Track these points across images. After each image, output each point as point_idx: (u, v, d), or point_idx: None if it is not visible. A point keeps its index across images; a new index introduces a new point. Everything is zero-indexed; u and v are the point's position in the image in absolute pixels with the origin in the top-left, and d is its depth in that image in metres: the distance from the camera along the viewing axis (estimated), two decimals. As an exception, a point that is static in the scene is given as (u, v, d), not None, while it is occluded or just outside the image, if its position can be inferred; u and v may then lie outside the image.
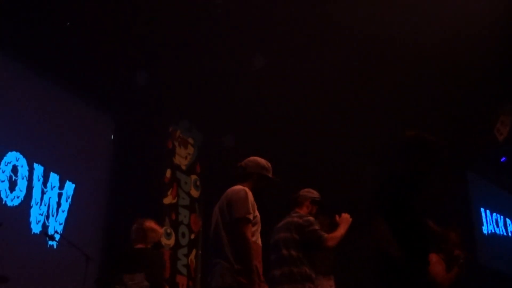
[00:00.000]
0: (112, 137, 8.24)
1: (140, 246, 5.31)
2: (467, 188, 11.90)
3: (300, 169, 9.05)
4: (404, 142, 3.77)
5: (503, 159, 12.18)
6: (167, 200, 8.27)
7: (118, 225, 7.70)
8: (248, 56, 7.91)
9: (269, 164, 4.23)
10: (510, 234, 13.24)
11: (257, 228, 3.83)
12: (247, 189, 3.89)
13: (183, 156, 8.75)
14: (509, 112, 8.95)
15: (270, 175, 4.15)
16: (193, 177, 8.82)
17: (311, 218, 4.71)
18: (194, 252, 8.47)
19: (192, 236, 8.50)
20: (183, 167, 8.69)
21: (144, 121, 8.15)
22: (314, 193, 5.03)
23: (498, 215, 12.91)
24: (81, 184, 7.59)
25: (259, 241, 3.83)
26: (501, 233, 12.94)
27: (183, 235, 8.35)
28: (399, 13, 7.20)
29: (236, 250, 3.65)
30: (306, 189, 5.06)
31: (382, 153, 9.52)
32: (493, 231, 12.60)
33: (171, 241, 8.11)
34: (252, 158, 4.25)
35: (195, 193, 8.77)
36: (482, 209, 12.41)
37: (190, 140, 8.93)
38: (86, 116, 7.88)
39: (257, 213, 3.85)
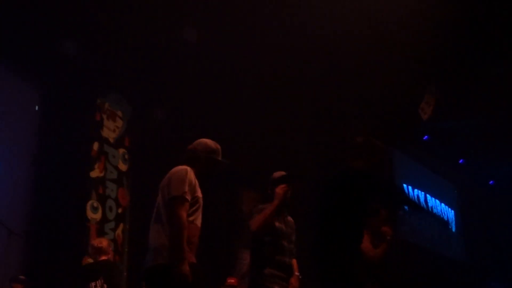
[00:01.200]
0: (36, 108, 7.98)
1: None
2: (390, 164, 12.28)
3: (232, 143, 9.07)
4: (358, 144, 4.28)
5: (425, 137, 12.63)
6: (94, 174, 8.12)
7: (43, 199, 7.52)
8: (180, 28, 7.82)
9: (218, 146, 4.17)
10: (430, 209, 13.80)
11: (197, 209, 3.81)
12: (188, 169, 3.86)
13: (111, 129, 8.58)
14: (434, 92, 9.25)
15: (219, 157, 4.11)
16: (122, 150, 8.68)
17: (258, 207, 4.64)
18: (121, 226, 8.38)
19: (120, 211, 8.40)
20: (111, 140, 8.53)
21: (70, 92, 7.93)
22: (276, 174, 4.81)
23: (419, 191, 13.42)
24: (3, 158, 7.34)
25: (198, 222, 3.82)
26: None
27: (110, 209, 8.24)
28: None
29: (169, 228, 3.66)
30: (277, 172, 4.81)
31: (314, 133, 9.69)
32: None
33: (98, 215, 7.99)
34: (201, 140, 4.17)
35: (123, 167, 8.64)
36: (405, 185, 12.85)
37: (119, 113, 8.77)
38: (8, 86, 7.58)
39: (199, 194, 3.84)
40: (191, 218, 3.73)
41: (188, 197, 3.71)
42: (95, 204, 7.98)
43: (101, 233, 7.95)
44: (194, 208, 3.78)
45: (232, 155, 9.28)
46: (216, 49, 8.05)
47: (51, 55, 7.64)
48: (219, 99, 8.81)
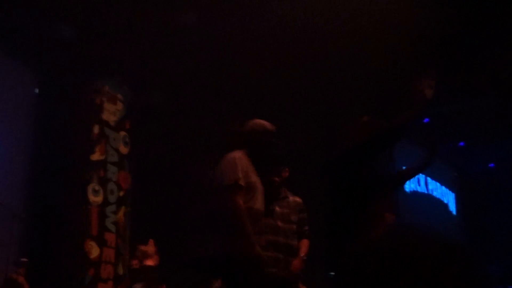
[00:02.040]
0: (36, 91, 7.96)
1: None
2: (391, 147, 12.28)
3: (230, 123, 9.05)
4: (362, 124, 3.91)
5: (425, 120, 12.61)
6: (95, 157, 8.12)
7: (44, 182, 7.54)
8: (179, 10, 7.77)
9: (273, 127, 3.93)
10: (430, 192, 13.83)
11: (254, 194, 3.65)
12: (238, 155, 3.69)
13: (111, 112, 8.57)
14: (433, 76, 9.23)
15: (271, 139, 3.86)
16: (122, 133, 8.67)
17: None
18: (123, 209, 8.39)
19: (121, 193, 8.41)
20: (112, 123, 8.52)
21: (70, 75, 7.91)
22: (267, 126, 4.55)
23: (420, 174, 13.44)
24: (4, 141, 7.33)
25: (258, 206, 3.67)
26: (422, 191, 13.50)
27: (112, 192, 8.25)
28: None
29: (225, 217, 3.54)
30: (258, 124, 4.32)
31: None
32: (415, 189, 13.12)
33: (99, 198, 8.00)
34: (257, 122, 3.95)
35: (124, 149, 8.64)
36: (404, 168, 12.86)
37: (119, 96, 8.75)
38: (8, 69, 7.56)
39: (253, 179, 3.66)
40: (248, 205, 3.58)
41: (242, 183, 3.58)
42: (96, 187, 7.99)
43: (102, 216, 7.97)
44: (250, 194, 3.64)
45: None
46: (216, 31, 8.01)
47: (51, 38, 7.60)
48: (219, 80, 8.78)
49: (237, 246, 3.44)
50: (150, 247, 6.51)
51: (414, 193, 13.05)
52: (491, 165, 15.10)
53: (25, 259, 6.41)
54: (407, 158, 12.93)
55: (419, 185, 13.34)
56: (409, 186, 12.92)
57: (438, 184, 14.21)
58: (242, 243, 3.41)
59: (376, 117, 4.06)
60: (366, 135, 3.73)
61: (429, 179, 13.80)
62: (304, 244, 4.68)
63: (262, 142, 3.80)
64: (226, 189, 3.54)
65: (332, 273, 3.95)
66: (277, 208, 4.62)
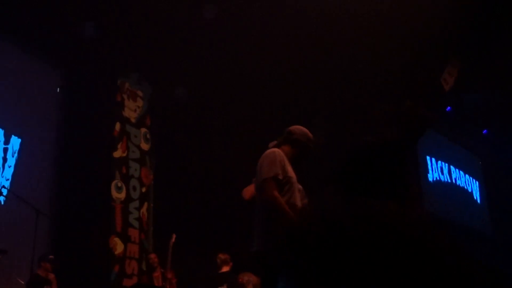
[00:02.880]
0: (58, 90, 8.03)
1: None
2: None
3: (251, 121, 9.07)
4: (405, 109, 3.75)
5: (448, 108, 12.50)
6: (117, 154, 8.18)
7: (68, 179, 7.61)
8: (199, 6, 7.77)
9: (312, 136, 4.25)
10: (454, 181, 13.70)
11: (290, 188, 3.82)
12: (277, 151, 3.93)
13: (132, 109, 8.62)
14: (456, 63, 9.12)
15: (311, 146, 4.19)
16: (143, 130, 8.73)
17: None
18: (145, 205, 8.45)
19: (143, 190, 8.47)
20: (133, 120, 8.58)
21: (91, 73, 7.96)
22: (307, 135, 4.63)
23: (443, 163, 13.32)
24: (28, 139, 7.42)
25: (295, 200, 3.81)
26: (446, 180, 13.38)
27: (134, 188, 8.31)
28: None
29: (268, 209, 3.69)
30: (298, 129, 4.38)
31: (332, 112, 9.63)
32: (438, 178, 13.01)
33: (122, 195, 8.06)
34: (299, 127, 4.23)
35: (145, 146, 8.69)
36: (428, 157, 12.76)
37: (139, 93, 8.80)
38: (31, 69, 7.64)
39: (290, 174, 3.86)
40: (285, 197, 3.74)
41: (281, 177, 3.76)
42: (119, 184, 8.05)
43: (126, 212, 8.04)
44: (286, 187, 3.80)
45: (252, 131, 9.28)
46: (236, 25, 7.99)
47: (72, 37, 7.66)
48: (239, 75, 8.77)
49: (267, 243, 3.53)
50: (227, 255, 7.21)
51: (438, 183, 12.94)
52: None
53: (52, 256, 6.49)
54: (431, 146, 12.85)
55: (442, 174, 13.22)
56: (432, 175, 12.82)
57: (461, 172, 14.07)
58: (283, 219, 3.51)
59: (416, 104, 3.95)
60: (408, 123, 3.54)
61: (452, 167, 13.67)
62: None
63: (305, 147, 4.11)
64: (264, 182, 3.72)
65: None
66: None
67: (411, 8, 7.85)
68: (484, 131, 13.87)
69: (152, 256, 7.73)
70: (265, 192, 3.69)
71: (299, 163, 4.10)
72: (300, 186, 4.77)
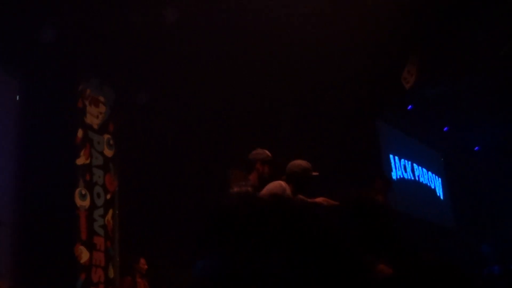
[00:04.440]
0: (17, 98, 7.89)
1: None
2: (376, 135, 12.34)
3: (217, 125, 9.07)
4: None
5: (409, 107, 12.67)
6: (80, 161, 8.08)
7: (31, 189, 7.48)
8: (160, 10, 7.73)
9: (309, 164, 4.83)
10: (417, 178, 13.90)
11: None
12: (284, 184, 4.48)
13: (94, 115, 8.52)
14: (415, 60, 9.26)
15: (312, 173, 4.76)
16: (106, 136, 8.63)
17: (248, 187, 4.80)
18: (111, 212, 8.36)
19: (108, 196, 8.38)
20: (95, 127, 8.48)
21: (51, 80, 7.84)
22: (261, 154, 4.99)
23: (406, 161, 13.50)
24: (-13, 149, 7.27)
25: None
26: (409, 177, 13.57)
27: (99, 195, 8.22)
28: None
29: None
30: (254, 151, 5.03)
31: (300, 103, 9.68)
32: (401, 176, 13.19)
33: (86, 202, 7.97)
34: (295, 162, 4.78)
35: (108, 152, 8.60)
36: (391, 156, 12.92)
37: (101, 99, 8.70)
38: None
39: None
40: None
41: None
42: (83, 191, 7.95)
43: (90, 220, 7.94)
44: None
45: (218, 135, 9.28)
46: (198, 30, 7.98)
47: (30, 42, 7.53)
48: (202, 81, 8.75)
49: None
50: None
51: (401, 180, 13.11)
52: (477, 148, 15.21)
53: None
54: (394, 145, 13.02)
55: (405, 172, 13.41)
56: (396, 173, 12.98)
57: (424, 170, 14.29)
58: None
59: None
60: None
61: (415, 165, 13.87)
62: None
63: (301, 179, 4.69)
64: None
65: None
66: None
67: (369, 5, 7.94)
68: (445, 128, 14.11)
69: (142, 261, 7.77)
70: None
71: (303, 191, 4.66)
72: None
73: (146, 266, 7.85)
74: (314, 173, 4.78)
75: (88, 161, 8.18)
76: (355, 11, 7.89)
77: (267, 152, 5.01)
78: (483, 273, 12.32)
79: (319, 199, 5.12)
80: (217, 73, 8.70)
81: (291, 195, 4.55)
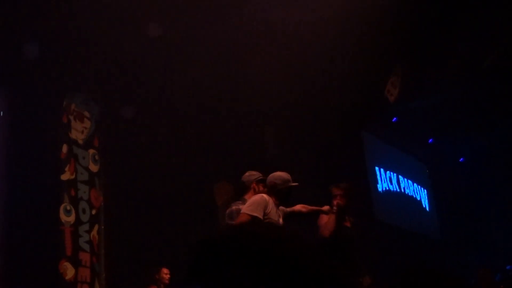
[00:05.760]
0: (1, 114, 7.84)
1: None
2: (362, 148, 12.39)
3: (203, 139, 9.07)
4: None
5: (394, 119, 12.76)
6: (65, 176, 8.02)
7: (15, 205, 7.41)
8: (143, 24, 7.75)
9: (289, 175, 5.01)
10: (402, 190, 13.97)
11: None
12: (267, 197, 4.63)
13: (79, 130, 8.48)
14: (399, 73, 9.34)
15: (291, 183, 4.94)
16: (91, 151, 8.59)
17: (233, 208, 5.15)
18: (96, 227, 8.30)
19: (93, 212, 8.32)
20: (80, 142, 8.44)
21: (35, 96, 7.80)
22: (254, 175, 5.35)
23: (392, 173, 13.57)
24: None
25: None
26: (395, 189, 13.63)
27: (84, 211, 8.16)
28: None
29: None
30: (247, 173, 5.40)
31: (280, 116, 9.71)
32: (387, 188, 13.24)
33: (71, 218, 7.91)
34: (275, 174, 4.99)
35: (94, 167, 8.56)
36: (377, 168, 12.98)
37: (86, 114, 8.66)
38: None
39: (273, 216, 4.56)
40: None
41: (259, 216, 4.42)
42: (68, 207, 7.90)
43: (76, 235, 7.88)
44: None
45: (203, 148, 9.26)
46: (182, 44, 8.00)
47: (14, 58, 7.51)
48: (187, 94, 8.77)
49: None
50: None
51: (387, 192, 13.17)
52: (461, 159, 15.32)
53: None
54: (380, 157, 13.07)
55: (391, 183, 13.46)
56: (382, 185, 13.03)
57: (410, 181, 14.37)
58: None
59: None
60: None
61: (401, 177, 13.94)
62: None
63: (282, 190, 4.89)
64: (243, 214, 4.43)
65: None
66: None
67: (353, 19, 8.01)
68: (430, 140, 14.21)
69: (165, 270, 7.71)
70: (238, 221, 4.38)
71: (285, 201, 4.92)
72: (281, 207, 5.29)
73: (168, 275, 7.78)
74: (294, 184, 4.95)
75: (73, 177, 8.13)
76: (342, 24, 7.96)
77: (258, 172, 5.37)
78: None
79: (298, 207, 5.35)
80: (202, 87, 8.72)
81: (274, 206, 4.68)
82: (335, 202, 5.51)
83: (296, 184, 4.98)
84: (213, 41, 7.98)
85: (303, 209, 5.44)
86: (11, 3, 6.95)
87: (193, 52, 8.16)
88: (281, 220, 4.78)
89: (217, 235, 1.18)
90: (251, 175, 5.32)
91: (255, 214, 4.41)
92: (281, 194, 4.84)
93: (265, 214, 4.50)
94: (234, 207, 5.07)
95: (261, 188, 5.18)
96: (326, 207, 5.53)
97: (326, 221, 5.44)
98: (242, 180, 5.33)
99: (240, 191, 5.36)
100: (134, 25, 7.73)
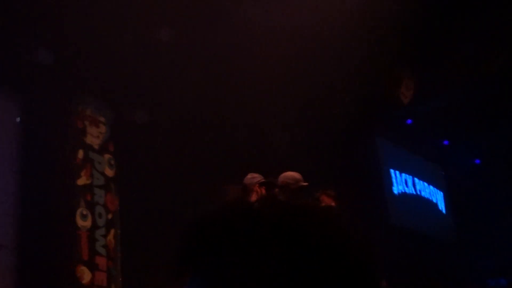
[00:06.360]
0: (18, 120, 7.92)
1: None
2: (376, 151, 12.35)
3: (215, 143, 9.09)
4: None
5: (408, 121, 12.72)
6: (81, 181, 8.09)
7: (31, 210, 7.48)
8: (157, 29, 7.80)
9: (300, 175, 4.95)
10: (418, 192, 13.89)
11: None
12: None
13: (95, 135, 8.55)
14: (412, 75, 9.31)
15: (303, 183, 4.88)
16: (107, 156, 8.65)
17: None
18: (112, 232, 8.35)
19: (110, 216, 8.38)
20: (96, 147, 8.50)
21: (51, 101, 7.88)
22: (256, 177, 5.23)
23: (407, 175, 13.50)
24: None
25: None
26: (411, 192, 13.56)
27: (100, 215, 8.22)
28: None
29: None
30: (249, 176, 5.27)
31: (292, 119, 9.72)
32: (403, 191, 13.18)
33: (88, 223, 7.96)
34: (287, 174, 4.94)
35: (109, 172, 8.61)
36: (392, 171, 12.93)
37: (101, 119, 8.73)
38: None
39: None
40: None
41: None
42: (84, 212, 7.95)
43: (92, 240, 7.94)
44: None
45: (217, 152, 9.29)
46: (197, 48, 8.04)
47: (28, 65, 7.59)
48: (201, 98, 8.80)
49: None
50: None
51: (403, 195, 13.11)
52: (477, 161, 15.22)
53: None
54: (395, 159, 13.02)
55: (407, 186, 13.40)
56: (397, 188, 12.98)
57: (425, 184, 14.29)
58: None
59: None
60: None
61: (416, 179, 13.87)
62: None
63: (294, 190, 4.80)
64: None
65: None
66: None
67: (364, 21, 8.00)
68: (445, 142, 14.13)
69: None
70: None
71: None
72: None
73: None
74: (305, 183, 4.92)
75: (89, 181, 8.20)
76: (354, 28, 7.96)
77: (260, 175, 5.26)
78: (489, 284, 12.27)
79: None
80: (213, 92, 8.75)
81: None
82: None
83: (307, 184, 4.94)
84: (223, 47, 8.02)
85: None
86: (24, 10, 7.03)
87: (204, 57, 8.20)
88: None
89: (216, 214, 0.98)
90: (253, 177, 5.22)
91: None
92: (293, 194, 4.81)
93: None
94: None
95: (263, 191, 5.09)
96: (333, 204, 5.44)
97: None
98: (244, 183, 5.21)
99: (242, 194, 5.19)
100: (148, 30, 7.78)
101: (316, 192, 5.38)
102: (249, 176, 5.25)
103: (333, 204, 5.34)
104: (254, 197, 5.04)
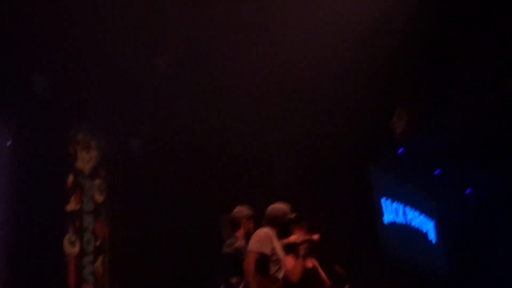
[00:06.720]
0: (8, 144, 7.85)
1: None
2: (368, 180, 12.33)
3: (209, 171, 9.06)
4: None
5: (400, 150, 12.73)
6: (70, 207, 8.00)
7: (20, 236, 7.38)
8: (151, 57, 7.80)
9: (287, 206, 4.90)
10: (408, 222, 13.85)
11: (280, 266, 4.50)
12: (269, 232, 4.56)
13: (85, 160, 8.48)
14: (405, 105, 9.34)
15: (292, 214, 4.84)
16: (97, 181, 8.57)
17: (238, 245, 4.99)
18: (100, 258, 8.24)
19: (98, 243, 8.27)
20: (86, 172, 8.43)
21: (42, 126, 7.82)
22: (244, 211, 5.21)
23: (398, 204, 13.47)
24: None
25: (278, 275, 4.48)
26: (400, 221, 13.52)
27: (88, 242, 8.11)
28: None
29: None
30: (237, 209, 5.25)
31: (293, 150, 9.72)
32: (393, 220, 13.13)
33: (76, 250, 7.86)
34: (275, 207, 4.86)
35: (99, 198, 8.53)
36: (383, 199, 12.90)
37: (93, 143, 8.67)
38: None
39: (280, 253, 4.55)
40: (275, 275, 4.42)
41: (269, 253, 4.41)
42: (72, 238, 7.85)
43: (80, 267, 7.83)
44: (277, 266, 4.46)
45: (210, 181, 9.23)
46: (189, 77, 8.05)
47: (20, 88, 7.54)
48: (194, 127, 8.79)
49: None
50: None
51: (393, 224, 13.05)
52: (468, 190, 15.23)
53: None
54: (385, 187, 12.99)
55: (397, 215, 13.36)
56: (388, 217, 12.93)
57: (417, 213, 14.25)
58: None
59: None
60: None
61: (407, 208, 13.84)
62: None
63: (283, 223, 4.78)
64: (249, 253, 4.39)
65: None
66: None
67: (359, 53, 8.05)
68: (436, 171, 14.15)
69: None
70: (246, 262, 4.34)
71: (286, 234, 4.83)
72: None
73: None
74: (293, 215, 4.86)
75: (78, 207, 8.11)
76: (349, 59, 8.00)
77: (248, 208, 5.24)
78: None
79: (292, 238, 5.20)
80: (210, 121, 8.73)
81: (277, 240, 4.64)
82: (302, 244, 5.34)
83: (295, 215, 4.88)
84: (222, 76, 8.02)
85: (297, 240, 5.29)
86: (19, 37, 7.01)
87: (201, 86, 8.20)
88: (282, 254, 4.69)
89: None
90: (242, 211, 5.16)
91: (263, 251, 4.38)
92: (281, 227, 4.75)
93: (271, 249, 4.46)
94: (225, 249, 4.98)
95: (251, 225, 5.05)
96: (316, 236, 5.33)
97: (293, 265, 5.12)
98: (232, 216, 5.16)
99: (231, 228, 5.18)
100: (142, 58, 7.78)
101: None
102: (237, 209, 5.20)
103: (306, 236, 5.28)
104: (242, 231, 5.02)
